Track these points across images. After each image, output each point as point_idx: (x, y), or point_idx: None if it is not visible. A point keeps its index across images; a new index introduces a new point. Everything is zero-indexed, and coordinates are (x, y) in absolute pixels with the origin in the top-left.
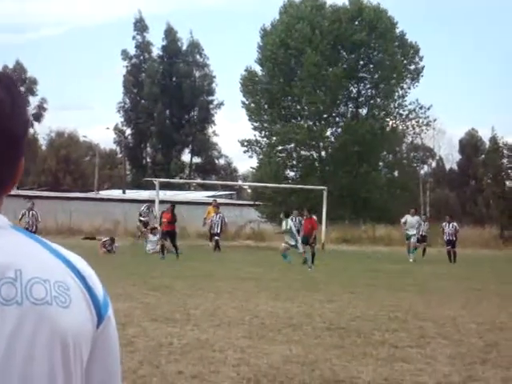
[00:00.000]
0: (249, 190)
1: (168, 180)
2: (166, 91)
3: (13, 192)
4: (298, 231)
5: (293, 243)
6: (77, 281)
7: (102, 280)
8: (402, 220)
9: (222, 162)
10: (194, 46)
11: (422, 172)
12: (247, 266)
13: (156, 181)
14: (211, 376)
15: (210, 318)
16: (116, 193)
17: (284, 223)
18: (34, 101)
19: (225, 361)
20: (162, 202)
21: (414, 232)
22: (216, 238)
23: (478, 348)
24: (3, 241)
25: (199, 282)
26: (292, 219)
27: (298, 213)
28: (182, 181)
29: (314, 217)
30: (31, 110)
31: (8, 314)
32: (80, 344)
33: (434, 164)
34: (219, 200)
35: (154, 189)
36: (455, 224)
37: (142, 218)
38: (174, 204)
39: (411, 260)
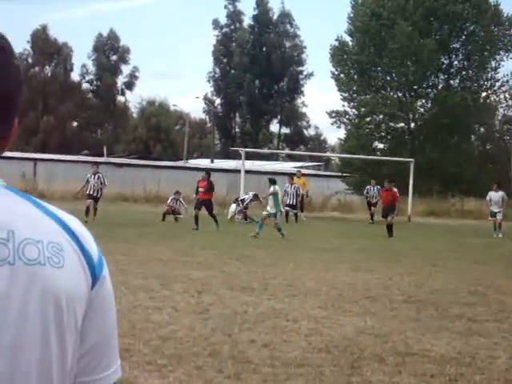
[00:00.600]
0: (337, 162)
1: (254, 150)
2: (256, 61)
3: (103, 159)
4: (370, 203)
5: (273, 211)
6: (70, 241)
7: (182, 248)
8: (487, 198)
9: (311, 132)
10: (285, 16)
11: None
12: (330, 236)
13: (242, 150)
14: (282, 345)
15: (287, 288)
16: (204, 162)
17: (272, 188)
18: (126, 69)
19: (298, 330)
20: (248, 171)
21: (499, 209)
22: (294, 210)
23: None
24: None
25: (280, 252)
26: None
27: (375, 182)
28: (268, 151)
29: (395, 189)
30: (123, 78)
31: (0, 275)
32: (74, 304)
33: None
34: (306, 171)
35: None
36: None
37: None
38: (209, 171)
39: (496, 235)
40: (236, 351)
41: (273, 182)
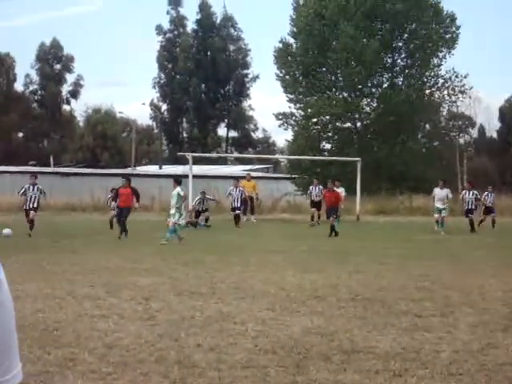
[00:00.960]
0: (285, 163)
1: (201, 154)
2: (201, 66)
3: (49, 169)
4: (319, 202)
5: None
6: None
7: (130, 256)
8: (432, 194)
9: (259, 135)
10: (228, 20)
11: (461, 141)
12: (279, 238)
13: (189, 155)
14: (229, 348)
15: (235, 291)
16: (153, 168)
17: (175, 192)
18: (70, 78)
19: (244, 333)
20: (196, 176)
21: (444, 206)
22: (237, 212)
23: (501, 315)
24: None
25: (229, 255)
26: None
27: (318, 181)
28: (215, 155)
29: (340, 189)
30: (68, 86)
31: None
32: None
33: (474, 133)
34: (255, 174)
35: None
36: (475, 192)
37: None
38: (129, 178)
39: (439, 231)
40: (182, 356)
41: (177, 182)
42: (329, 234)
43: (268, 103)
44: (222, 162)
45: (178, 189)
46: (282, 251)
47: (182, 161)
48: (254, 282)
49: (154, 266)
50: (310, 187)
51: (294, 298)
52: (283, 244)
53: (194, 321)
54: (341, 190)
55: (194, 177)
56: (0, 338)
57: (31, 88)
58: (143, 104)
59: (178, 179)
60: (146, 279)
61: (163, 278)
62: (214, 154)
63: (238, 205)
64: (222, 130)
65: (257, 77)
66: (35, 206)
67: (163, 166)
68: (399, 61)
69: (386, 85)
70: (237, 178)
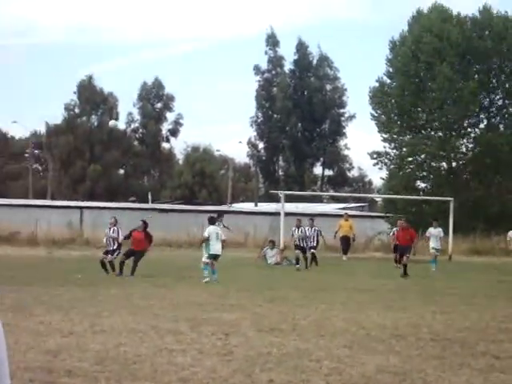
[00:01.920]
0: (380, 202)
1: (292, 192)
2: (298, 105)
3: (147, 206)
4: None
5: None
6: None
7: (217, 291)
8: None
9: (355, 173)
10: (324, 60)
11: None
12: (367, 277)
13: (281, 193)
14: None
15: (315, 329)
16: (249, 206)
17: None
18: (170, 116)
19: (318, 370)
20: (290, 214)
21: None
22: (312, 251)
23: None
24: None
25: (314, 293)
26: (218, 224)
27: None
28: (307, 193)
29: (436, 229)
30: (168, 125)
31: None
32: None
33: None
34: (349, 212)
35: (289, 201)
36: None
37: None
38: (145, 221)
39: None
40: None
41: (210, 222)
42: (402, 274)
43: (364, 142)
44: (318, 200)
45: (211, 229)
46: (369, 290)
47: (277, 198)
48: (335, 320)
49: (240, 301)
50: (394, 229)
51: (373, 337)
52: (372, 283)
53: (270, 357)
54: (438, 231)
55: (288, 214)
56: None
57: (133, 126)
58: (240, 142)
59: (212, 218)
60: (229, 314)
61: (246, 314)
62: (307, 193)
63: (314, 243)
64: (317, 169)
65: (353, 116)
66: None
67: (259, 204)
68: (496, 100)
69: (482, 125)
70: (311, 218)
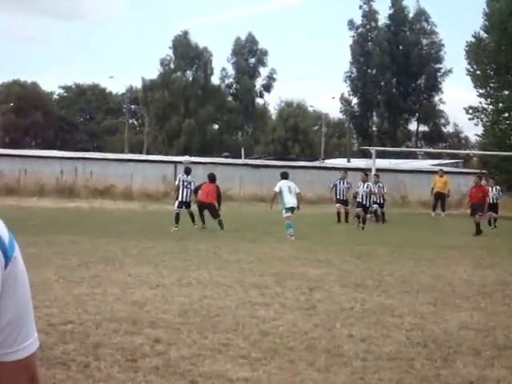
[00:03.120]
0: (475, 159)
1: (384, 148)
2: (394, 60)
3: (240, 161)
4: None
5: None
6: None
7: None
8: None
9: (450, 130)
10: (421, 14)
11: None
12: (458, 234)
13: (372, 149)
14: (380, 340)
15: (401, 285)
16: (341, 161)
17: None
18: (264, 72)
19: (400, 326)
20: (383, 170)
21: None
22: (377, 208)
23: None
24: None
25: (402, 249)
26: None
27: (494, 182)
28: (399, 149)
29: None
30: (262, 80)
31: None
32: None
33: None
34: (445, 168)
35: (383, 157)
36: None
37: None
38: (212, 175)
39: None
40: (332, 345)
41: (282, 177)
42: (474, 233)
43: (461, 97)
44: (412, 156)
45: (280, 184)
46: (458, 246)
47: (370, 154)
48: (422, 277)
49: (327, 257)
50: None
51: (458, 294)
52: (461, 239)
53: (352, 312)
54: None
55: (380, 170)
56: (17, 309)
57: (227, 82)
58: (333, 98)
59: (285, 173)
60: (315, 270)
61: (332, 270)
62: (399, 148)
63: (381, 201)
64: (412, 124)
65: (449, 71)
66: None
67: (351, 160)
68: None
69: None
70: (365, 172)
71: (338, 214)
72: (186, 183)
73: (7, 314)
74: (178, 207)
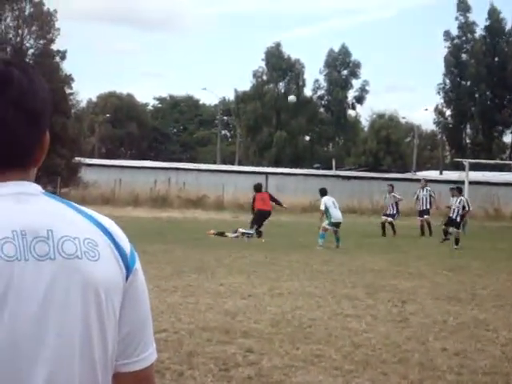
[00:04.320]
0: None
1: (477, 160)
2: (489, 71)
3: (331, 172)
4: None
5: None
6: (105, 238)
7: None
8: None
9: None
10: None
11: None
12: None
13: (465, 161)
14: (474, 354)
15: (495, 299)
16: (433, 174)
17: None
18: (356, 83)
19: (495, 340)
20: (475, 182)
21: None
22: (425, 216)
23: None
24: (36, 206)
25: (496, 263)
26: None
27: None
28: (493, 161)
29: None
30: (354, 92)
31: (43, 269)
32: (111, 294)
33: None
34: None
35: (476, 170)
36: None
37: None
38: (258, 185)
39: None
40: (425, 359)
41: (321, 194)
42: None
43: None
44: (507, 169)
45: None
46: None
47: (463, 167)
48: None
49: (418, 269)
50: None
51: None
52: None
53: (445, 325)
54: None
55: (473, 183)
56: (137, 321)
57: (319, 93)
58: (426, 109)
59: (323, 189)
60: (407, 282)
61: (424, 282)
62: (493, 161)
63: (426, 207)
64: (507, 137)
65: None
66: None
67: (444, 172)
68: None
69: None
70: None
71: (422, 227)
72: None
73: (127, 325)
74: None
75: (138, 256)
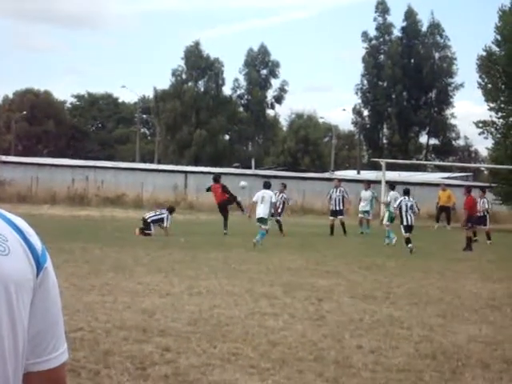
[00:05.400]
0: (485, 172)
1: (394, 161)
2: (406, 73)
3: (250, 171)
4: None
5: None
6: (15, 234)
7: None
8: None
9: (461, 143)
10: (435, 27)
11: None
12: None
13: (382, 161)
14: (389, 351)
15: (409, 297)
16: (350, 173)
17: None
18: (275, 83)
19: (409, 337)
20: (391, 182)
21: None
22: (339, 217)
23: None
24: None
25: (411, 261)
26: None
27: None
28: (409, 161)
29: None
30: (273, 92)
31: None
32: (22, 291)
33: None
34: (453, 182)
35: (393, 170)
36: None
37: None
38: (216, 176)
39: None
40: (341, 356)
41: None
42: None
43: (472, 111)
44: (422, 169)
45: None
46: (467, 259)
47: (380, 166)
48: (430, 289)
49: (336, 268)
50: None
51: (467, 307)
52: (471, 253)
53: (361, 323)
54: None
55: (390, 182)
56: (47, 319)
57: (238, 92)
58: (344, 110)
59: (267, 183)
60: (324, 281)
61: (341, 281)
62: (409, 161)
63: (339, 207)
64: (423, 138)
65: (461, 85)
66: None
67: (362, 172)
68: None
69: None
70: (338, 180)
71: (332, 226)
72: None
73: (37, 324)
74: None
75: (49, 256)
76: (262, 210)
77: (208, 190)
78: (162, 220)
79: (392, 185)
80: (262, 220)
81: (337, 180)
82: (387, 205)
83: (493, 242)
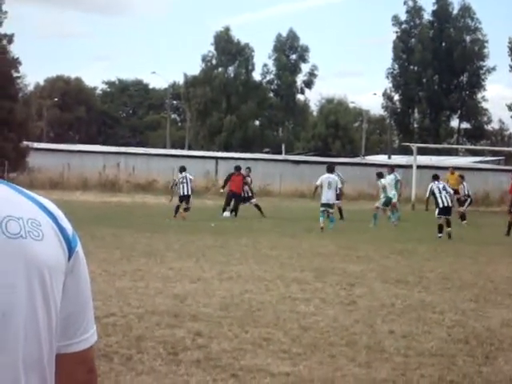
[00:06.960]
0: None
1: (425, 145)
2: (437, 56)
3: (281, 157)
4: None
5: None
6: (48, 219)
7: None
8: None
9: (495, 126)
10: (466, 10)
11: None
12: (498, 231)
13: (413, 146)
14: (421, 336)
15: (441, 281)
16: (382, 158)
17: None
18: (305, 68)
19: (441, 322)
20: (423, 167)
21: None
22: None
23: None
24: None
25: (443, 246)
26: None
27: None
28: (440, 146)
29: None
30: (303, 76)
31: None
32: (55, 275)
33: None
34: (484, 166)
35: (424, 154)
36: None
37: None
38: (238, 167)
39: None
40: (373, 341)
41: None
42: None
43: (504, 95)
44: (454, 153)
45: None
46: (499, 243)
47: (411, 151)
48: (463, 273)
49: (367, 253)
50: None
51: (501, 291)
52: (500, 236)
53: (393, 308)
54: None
55: (421, 167)
56: (78, 302)
57: (268, 78)
58: (375, 94)
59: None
60: (355, 266)
61: (372, 266)
62: (440, 145)
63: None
64: (454, 122)
65: (493, 68)
66: None
67: (392, 156)
68: None
69: None
70: (391, 167)
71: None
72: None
73: (69, 307)
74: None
75: (79, 240)
76: (330, 196)
77: (228, 178)
78: (190, 180)
79: (391, 168)
80: (330, 206)
81: (390, 168)
82: (383, 189)
83: None
